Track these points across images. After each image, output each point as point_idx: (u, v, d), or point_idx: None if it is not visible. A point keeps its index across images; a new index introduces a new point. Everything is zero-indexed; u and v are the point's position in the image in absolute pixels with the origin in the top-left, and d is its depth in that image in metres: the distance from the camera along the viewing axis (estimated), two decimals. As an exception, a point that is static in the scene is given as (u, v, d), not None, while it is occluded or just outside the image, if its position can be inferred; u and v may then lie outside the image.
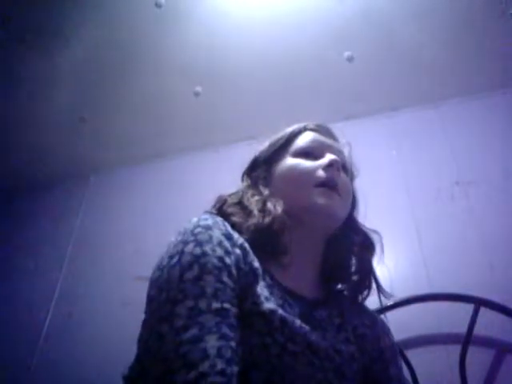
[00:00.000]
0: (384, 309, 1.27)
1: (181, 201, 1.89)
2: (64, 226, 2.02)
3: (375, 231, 0.84)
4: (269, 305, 0.60)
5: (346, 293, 0.80)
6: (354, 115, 1.86)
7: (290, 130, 0.84)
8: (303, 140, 0.81)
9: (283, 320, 0.60)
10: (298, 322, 0.62)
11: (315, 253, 0.77)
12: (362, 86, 1.78)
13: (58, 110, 1.89)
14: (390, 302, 1.28)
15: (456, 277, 1.36)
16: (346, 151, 0.85)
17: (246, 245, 0.65)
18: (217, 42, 1.66)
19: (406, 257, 1.49)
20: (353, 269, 0.79)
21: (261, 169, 0.81)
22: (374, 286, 0.80)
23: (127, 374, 0.58)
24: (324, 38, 1.64)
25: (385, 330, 0.79)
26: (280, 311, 0.60)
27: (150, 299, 0.58)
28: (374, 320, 0.79)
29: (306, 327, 0.63)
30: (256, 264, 0.64)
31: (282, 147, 0.81)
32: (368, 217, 1.68)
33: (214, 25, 1.61)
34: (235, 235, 0.64)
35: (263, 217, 0.69)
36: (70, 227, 2.00)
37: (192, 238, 0.59)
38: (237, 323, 0.55)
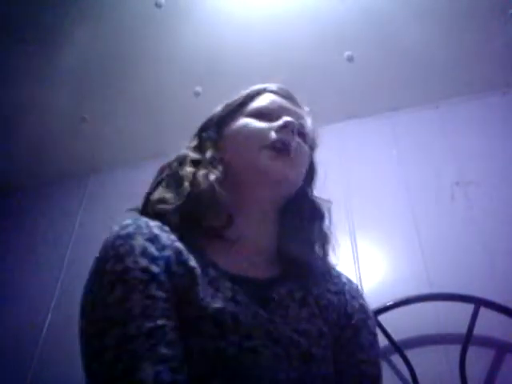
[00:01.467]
0: (384, 309, 1.27)
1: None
2: (64, 226, 2.01)
3: (326, 200, 0.76)
4: (215, 304, 0.54)
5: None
6: (354, 115, 1.86)
7: (247, 90, 0.78)
8: (260, 101, 0.74)
9: (234, 316, 0.55)
10: (252, 312, 0.57)
11: (267, 224, 0.70)
12: (362, 85, 1.78)
13: (58, 110, 1.89)
14: (390, 302, 1.28)
15: (456, 277, 1.36)
16: (308, 120, 0.77)
17: (178, 243, 0.58)
18: (217, 42, 1.66)
19: (405, 257, 1.49)
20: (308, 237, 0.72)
21: (211, 129, 0.75)
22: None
23: None
24: (324, 38, 1.64)
25: (353, 293, 0.72)
26: (230, 307, 0.55)
27: (81, 331, 0.53)
28: (340, 284, 0.72)
29: (264, 314, 0.58)
30: (192, 263, 0.57)
31: (237, 108, 0.75)
32: (368, 216, 1.68)
33: (213, 25, 1.61)
34: (164, 235, 0.58)
35: (192, 188, 0.64)
36: (70, 227, 2.00)
37: (112, 253, 0.54)
38: (177, 337, 0.50)
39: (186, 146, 0.76)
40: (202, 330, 0.52)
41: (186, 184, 0.64)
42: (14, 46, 1.65)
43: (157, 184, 0.70)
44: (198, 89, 1.79)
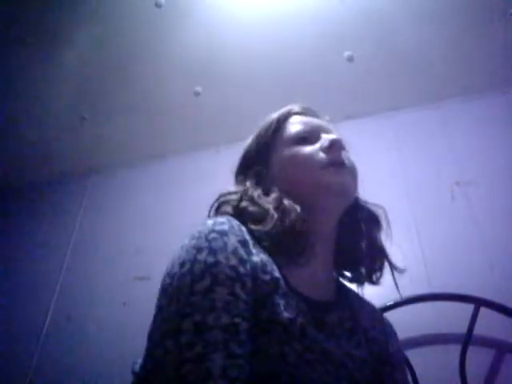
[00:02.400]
0: (384, 309, 1.27)
1: (181, 201, 1.89)
2: (64, 226, 2.02)
3: (377, 205, 0.81)
4: (287, 314, 0.57)
5: (354, 281, 0.77)
6: (354, 115, 1.86)
7: (275, 116, 0.79)
8: (294, 126, 0.76)
9: (303, 328, 0.58)
10: (313, 328, 0.60)
11: (329, 242, 0.73)
12: (362, 85, 1.78)
13: (58, 110, 1.89)
14: (390, 302, 1.28)
15: (456, 277, 1.36)
16: (332, 127, 0.81)
17: (263, 254, 0.62)
18: (217, 42, 1.66)
19: (405, 257, 1.48)
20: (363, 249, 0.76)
21: (256, 165, 0.76)
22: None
23: (138, 372, 0.57)
24: (324, 38, 1.64)
25: (392, 335, 0.79)
26: (299, 319, 0.58)
27: (160, 307, 0.56)
28: (383, 324, 0.78)
29: (321, 335, 0.61)
30: (277, 274, 0.61)
31: (272, 138, 0.76)
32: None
33: (213, 25, 1.61)
34: (252, 242, 0.61)
35: (282, 218, 0.65)
36: (70, 227, 2.00)
37: (206, 245, 0.56)
38: (248, 338, 0.52)
39: (237, 191, 0.74)
40: (271, 334, 0.55)
41: (272, 212, 0.65)
42: (15, 47, 1.65)
43: (220, 204, 0.72)
44: (198, 89, 1.79)
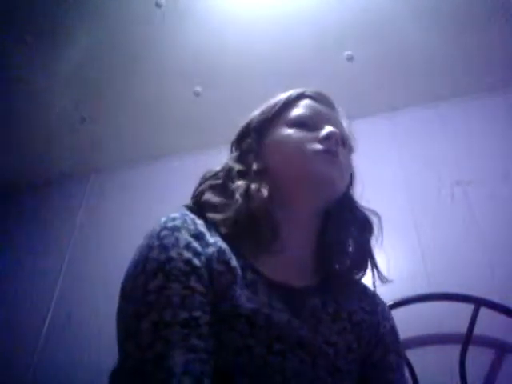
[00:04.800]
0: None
1: (181, 201, 1.89)
2: (64, 226, 2.02)
3: (374, 211, 0.78)
4: (250, 304, 0.56)
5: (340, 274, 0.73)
6: (354, 115, 1.85)
7: (285, 95, 0.76)
8: (300, 108, 0.73)
9: (267, 318, 0.56)
10: (285, 317, 0.58)
11: (309, 232, 0.71)
12: (362, 85, 1.78)
13: (58, 110, 1.89)
14: (389, 302, 1.28)
15: (456, 277, 1.36)
16: (345, 122, 0.79)
17: (221, 243, 0.60)
18: (217, 42, 1.65)
19: (405, 257, 1.49)
20: (350, 249, 0.73)
21: (251, 138, 0.74)
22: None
23: (110, 376, 0.57)
24: (324, 38, 1.64)
25: (385, 315, 0.74)
26: (264, 310, 0.57)
27: (119, 310, 0.55)
28: (373, 304, 0.74)
29: (296, 321, 0.59)
30: (233, 263, 0.59)
31: (275, 115, 0.74)
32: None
33: (214, 24, 1.61)
34: (208, 234, 0.60)
35: (247, 204, 0.63)
36: (70, 227, 2.00)
37: (157, 243, 0.56)
38: (209, 331, 0.51)
39: (228, 157, 0.76)
40: (234, 327, 0.54)
41: (237, 197, 0.64)
42: (15, 47, 1.65)
43: (204, 187, 0.71)
44: (198, 89, 1.79)
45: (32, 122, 1.93)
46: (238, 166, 0.71)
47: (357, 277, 0.73)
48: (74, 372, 1.58)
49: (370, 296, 0.75)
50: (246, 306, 0.55)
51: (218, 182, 0.70)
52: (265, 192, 0.64)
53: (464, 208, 1.52)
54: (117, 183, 2.09)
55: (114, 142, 2.02)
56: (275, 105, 0.75)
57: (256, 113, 0.79)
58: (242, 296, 0.56)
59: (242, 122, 0.79)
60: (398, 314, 1.26)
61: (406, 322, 1.29)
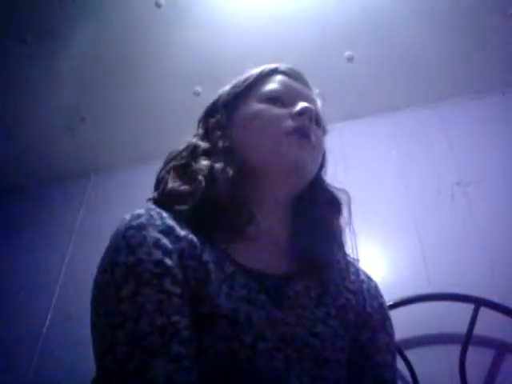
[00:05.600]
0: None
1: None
2: (64, 226, 2.01)
3: (343, 190, 0.73)
4: (230, 303, 0.52)
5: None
6: (354, 115, 1.85)
7: (257, 70, 0.73)
8: (272, 84, 0.70)
9: (248, 316, 0.52)
10: (266, 312, 0.55)
11: (284, 214, 0.67)
12: (362, 85, 1.78)
13: (58, 110, 1.89)
14: (389, 302, 1.28)
15: (456, 277, 1.36)
16: (319, 102, 0.75)
17: (192, 236, 0.56)
18: (217, 42, 1.65)
19: (405, 257, 1.49)
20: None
21: (219, 114, 0.71)
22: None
23: None
24: (324, 38, 1.64)
25: (372, 292, 0.69)
26: (244, 307, 0.53)
27: (92, 323, 0.51)
28: (358, 282, 0.68)
29: (278, 315, 0.56)
30: (206, 257, 0.54)
31: (246, 90, 0.70)
32: (368, 216, 1.68)
33: (213, 25, 1.61)
34: (178, 227, 0.55)
35: (211, 184, 0.59)
36: (70, 227, 2.00)
37: (123, 244, 0.51)
38: (190, 335, 0.48)
39: (193, 134, 0.72)
40: (215, 329, 0.51)
41: (201, 178, 0.60)
42: (14, 47, 1.65)
43: (166, 172, 0.66)
44: (198, 89, 1.79)
45: (32, 122, 1.93)
46: (203, 145, 0.67)
47: (336, 257, 0.68)
48: (73, 372, 1.58)
49: (353, 273, 0.69)
50: (225, 305, 0.52)
51: (182, 162, 0.66)
52: (230, 171, 0.60)
53: (464, 208, 1.52)
54: (117, 183, 2.09)
55: (114, 141, 2.02)
56: (246, 79, 0.72)
57: (226, 88, 0.75)
58: (221, 294, 0.52)
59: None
60: (398, 314, 1.27)
61: (405, 322, 1.29)
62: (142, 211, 0.57)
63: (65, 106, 1.87)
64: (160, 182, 0.66)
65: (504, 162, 1.57)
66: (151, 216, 0.56)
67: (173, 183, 0.62)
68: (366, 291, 0.68)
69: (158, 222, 0.55)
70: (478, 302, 1.24)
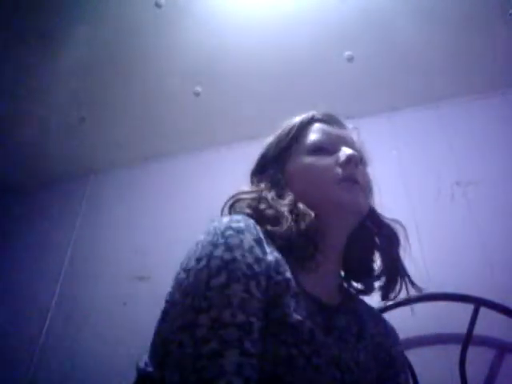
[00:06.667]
0: (384, 308, 1.27)
1: (181, 201, 1.89)
2: (64, 226, 2.02)
3: (397, 221, 0.83)
4: (297, 316, 0.58)
5: (364, 293, 0.78)
6: (354, 115, 1.85)
7: (296, 121, 0.79)
8: (314, 134, 0.76)
9: (311, 332, 0.58)
10: (322, 333, 0.60)
11: (338, 252, 0.74)
12: (362, 85, 1.78)
13: (58, 110, 1.89)
14: (390, 302, 1.28)
15: (456, 277, 1.36)
16: (355, 137, 0.82)
17: (277, 254, 0.62)
18: (217, 42, 1.65)
19: (405, 257, 1.49)
20: (377, 264, 0.77)
21: (272, 168, 0.76)
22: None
23: (142, 368, 0.55)
24: (324, 38, 1.64)
25: (396, 339, 0.79)
26: (308, 323, 0.58)
27: (173, 302, 0.56)
28: (385, 328, 0.79)
29: (329, 339, 0.62)
30: (288, 274, 0.61)
31: (291, 143, 0.76)
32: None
33: (213, 25, 1.61)
34: (266, 242, 0.61)
35: (297, 221, 0.66)
36: (70, 227, 2.00)
37: (222, 241, 0.56)
38: (260, 337, 0.53)
39: (253, 188, 0.75)
40: (280, 335, 0.55)
41: (287, 214, 0.66)
42: (14, 47, 1.65)
43: (236, 200, 0.72)
44: (198, 89, 1.79)
45: (32, 122, 1.93)
46: (273, 194, 0.72)
47: (393, 293, 0.76)
48: (73, 372, 1.58)
49: (382, 320, 0.81)
50: (294, 317, 0.57)
51: (263, 200, 0.71)
52: (312, 212, 0.66)
53: (464, 208, 1.52)
54: (116, 183, 2.09)
55: (114, 142, 2.02)
56: (289, 132, 0.78)
57: (271, 140, 0.80)
58: (291, 307, 0.58)
59: (257, 153, 0.81)
60: (398, 314, 1.27)
61: (406, 322, 1.30)
62: (239, 217, 0.62)
63: (65, 106, 1.87)
64: (231, 206, 0.72)
65: (504, 162, 1.57)
66: (248, 224, 0.61)
67: (263, 207, 0.69)
68: (393, 337, 0.78)
69: (254, 231, 0.60)
70: (478, 302, 1.24)
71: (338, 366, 0.60)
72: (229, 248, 0.55)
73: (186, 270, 0.56)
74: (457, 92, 1.77)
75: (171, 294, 0.57)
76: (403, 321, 1.29)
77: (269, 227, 0.64)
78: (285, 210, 0.67)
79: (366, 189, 0.74)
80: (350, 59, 1.69)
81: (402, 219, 1.54)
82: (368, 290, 0.78)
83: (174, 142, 2.01)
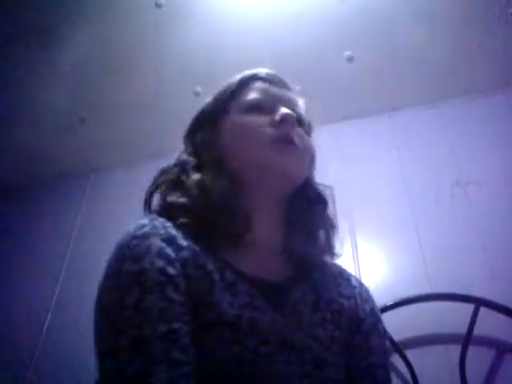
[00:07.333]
0: (384, 308, 1.27)
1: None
2: (64, 226, 2.01)
3: (326, 186, 0.74)
4: (233, 310, 0.54)
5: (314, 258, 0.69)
6: (354, 115, 1.86)
7: (236, 79, 0.74)
8: (252, 92, 0.71)
9: (251, 321, 0.54)
10: (268, 317, 0.56)
11: (277, 218, 0.68)
12: (362, 85, 1.78)
13: (57, 110, 1.89)
14: (390, 302, 1.28)
15: (456, 277, 1.36)
16: (301, 101, 0.75)
17: (194, 246, 0.57)
18: (217, 42, 1.65)
19: (406, 257, 1.49)
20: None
21: (205, 129, 0.72)
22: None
23: None
24: (324, 38, 1.64)
25: (363, 296, 0.71)
26: (247, 313, 0.55)
27: (95, 325, 0.53)
28: (350, 287, 0.70)
29: (279, 320, 0.57)
30: (209, 266, 0.56)
31: (227, 101, 0.71)
32: (368, 216, 1.67)
33: (213, 25, 1.61)
34: (179, 236, 0.57)
35: (204, 197, 0.61)
36: (70, 227, 2.00)
37: (128, 254, 0.53)
38: (189, 342, 0.49)
39: (180, 151, 0.73)
40: (219, 336, 0.52)
41: (194, 191, 0.62)
42: (13, 47, 1.65)
43: (157, 186, 0.68)
44: (198, 89, 1.79)
45: (32, 122, 1.93)
46: (192, 160, 0.68)
47: (329, 257, 0.70)
48: (73, 372, 1.58)
49: (346, 278, 0.72)
50: (229, 313, 0.53)
51: (173, 177, 0.67)
52: (220, 182, 0.62)
53: (464, 208, 1.52)
54: (117, 183, 2.09)
55: (114, 141, 2.02)
56: (226, 90, 0.73)
57: (208, 101, 0.76)
58: (224, 302, 0.54)
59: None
60: (398, 314, 1.27)
61: (406, 321, 1.30)
62: (145, 221, 0.58)
63: (65, 106, 1.87)
64: (151, 196, 0.68)
65: (504, 161, 1.57)
66: (154, 225, 0.57)
67: (171, 196, 0.64)
68: (359, 296, 0.70)
69: (162, 231, 0.56)
70: (478, 302, 1.24)
71: (292, 347, 0.56)
72: (135, 259, 0.52)
73: (100, 291, 0.54)
74: (457, 92, 1.77)
75: (94, 312, 0.54)
76: (403, 321, 1.29)
77: (181, 219, 0.60)
78: (193, 188, 0.62)
79: (303, 153, 0.67)
80: (350, 59, 1.69)
81: (402, 219, 1.56)
82: (321, 253, 0.70)
83: (174, 141, 2.00)
